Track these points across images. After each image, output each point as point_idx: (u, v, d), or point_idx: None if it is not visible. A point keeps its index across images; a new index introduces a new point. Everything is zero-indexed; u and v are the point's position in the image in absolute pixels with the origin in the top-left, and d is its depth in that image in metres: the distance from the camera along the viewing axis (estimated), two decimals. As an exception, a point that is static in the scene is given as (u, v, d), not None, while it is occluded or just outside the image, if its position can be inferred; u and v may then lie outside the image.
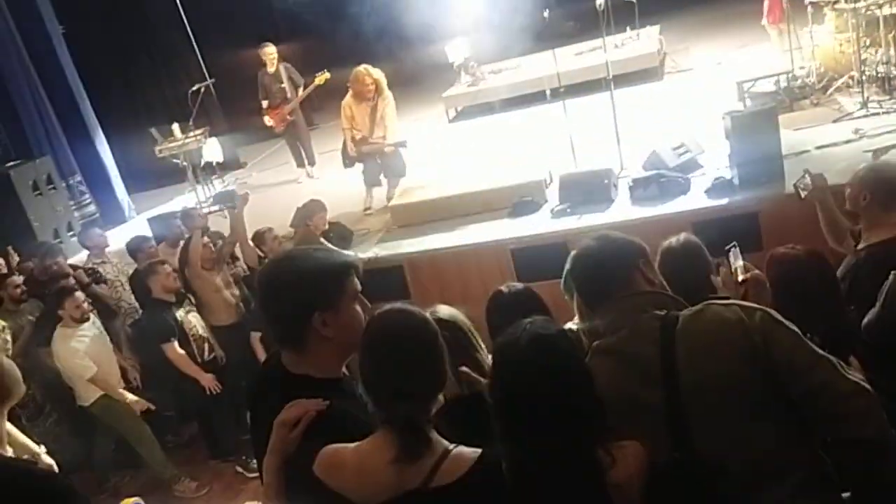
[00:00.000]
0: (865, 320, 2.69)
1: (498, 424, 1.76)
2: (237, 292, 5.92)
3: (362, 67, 7.30)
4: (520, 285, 3.07)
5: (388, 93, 7.30)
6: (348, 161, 7.54)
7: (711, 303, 1.92)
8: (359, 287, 1.97)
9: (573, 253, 2.11)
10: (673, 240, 2.90)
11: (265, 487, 1.87)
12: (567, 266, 2.10)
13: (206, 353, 5.52)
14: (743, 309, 1.85)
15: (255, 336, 5.51)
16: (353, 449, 1.76)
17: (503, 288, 3.00)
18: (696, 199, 5.79)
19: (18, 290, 5.65)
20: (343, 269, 1.95)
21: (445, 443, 1.75)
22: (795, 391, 1.77)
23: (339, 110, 7.66)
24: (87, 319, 5.19)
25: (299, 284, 1.89)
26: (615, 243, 2.06)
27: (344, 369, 2.01)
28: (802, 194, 3.54)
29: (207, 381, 5.34)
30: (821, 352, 1.80)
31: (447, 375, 1.81)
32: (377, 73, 7.27)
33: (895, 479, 1.81)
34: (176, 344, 5.31)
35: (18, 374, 2.58)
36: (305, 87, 9.25)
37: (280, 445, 1.81)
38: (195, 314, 5.58)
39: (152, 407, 5.30)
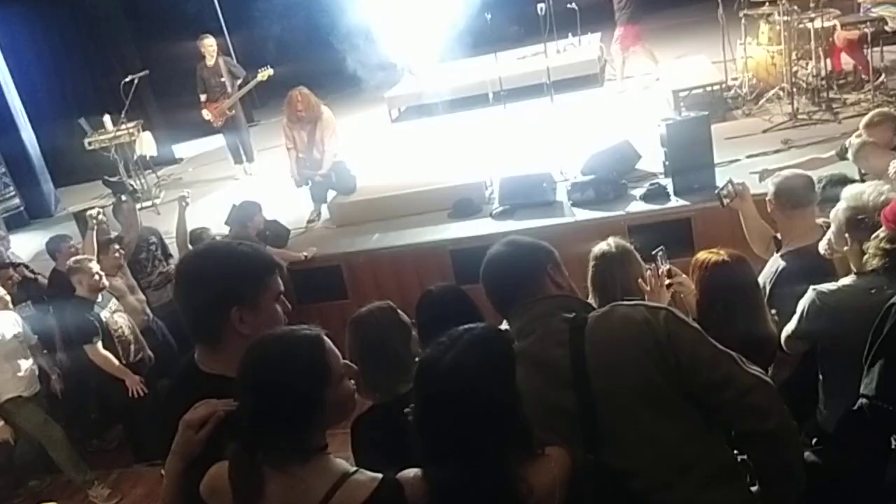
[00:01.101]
0: (784, 332, 2.76)
1: (419, 442, 1.72)
2: (142, 297, 5.76)
3: (295, 90, 7.06)
4: (450, 285, 3.05)
5: (326, 114, 7.07)
6: (299, 180, 7.23)
7: (618, 304, 1.95)
8: (281, 287, 1.91)
9: (485, 258, 2.08)
10: (605, 244, 2.93)
11: (162, 491, 1.78)
12: (480, 270, 2.07)
13: (133, 355, 5.32)
14: (648, 309, 1.90)
15: None
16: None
17: (433, 287, 2.97)
18: (632, 204, 5.88)
19: None
20: (266, 266, 1.89)
21: (346, 468, 1.66)
22: (699, 386, 1.81)
23: (280, 107, 7.49)
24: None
25: (220, 277, 1.82)
26: (523, 248, 2.06)
27: None
28: (725, 202, 3.65)
29: (132, 382, 5.15)
30: (722, 347, 1.85)
31: (326, 404, 1.65)
32: (307, 96, 7.00)
33: (798, 470, 1.88)
34: (99, 345, 5.10)
35: None
36: (247, 83, 9.04)
37: (183, 447, 1.71)
38: (122, 314, 5.37)
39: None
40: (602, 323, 1.87)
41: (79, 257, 5.30)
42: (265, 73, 8.91)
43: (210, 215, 6.92)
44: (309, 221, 7.14)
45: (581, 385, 1.81)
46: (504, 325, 2.82)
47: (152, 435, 5.31)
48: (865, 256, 2.44)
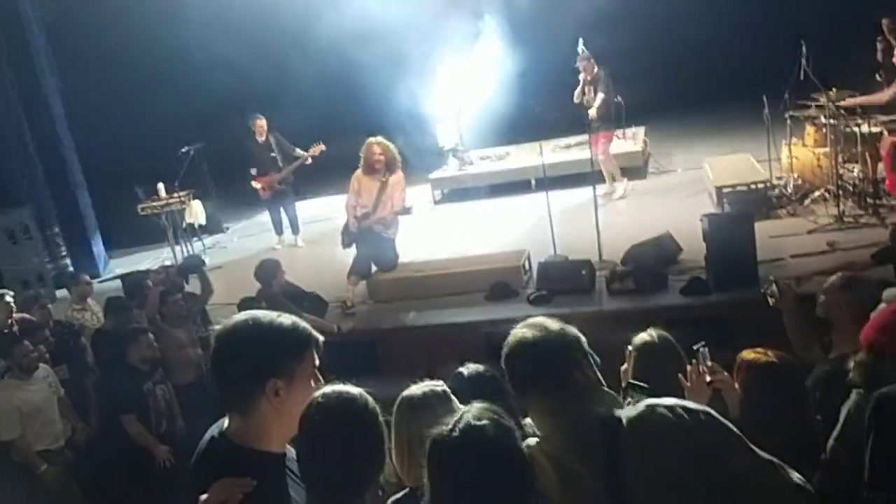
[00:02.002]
0: (830, 441, 2.67)
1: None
2: (200, 352, 5.79)
3: (373, 139, 7.09)
4: (481, 367, 3.01)
5: (400, 173, 7.04)
6: (347, 239, 7.15)
7: (654, 404, 1.85)
8: (317, 362, 1.91)
9: (507, 340, 1.94)
10: (646, 334, 2.90)
11: None
12: (503, 352, 1.93)
13: (165, 426, 5.36)
14: (687, 410, 1.81)
15: None
16: None
17: (463, 370, 2.94)
18: (671, 297, 5.81)
19: None
20: (305, 339, 1.90)
21: None
22: (739, 491, 1.74)
23: (325, 184, 7.65)
24: (36, 369, 5.03)
25: (259, 348, 1.83)
26: (551, 332, 1.92)
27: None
28: (771, 301, 3.60)
29: (161, 452, 5.16)
30: (763, 454, 1.78)
31: (384, 463, 1.74)
32: (386, 145, 7.02)
33: None
34: (134, 417, 5.16)
35: None
36: (297, 157, 9.30)
37: None
38: (162, 385, 5.43)
39: None
40: (639, 427, 1.77)
41: (136, 327, 5.40)
42: (317, 148, 9.19)
43: (253, 284, 7.00)
44: (348, 307, 6.86)
45: (616, 492, 1.73)
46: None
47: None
48: None
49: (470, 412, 1.68)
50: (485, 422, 1.65)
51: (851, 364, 2.71)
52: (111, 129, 10.71)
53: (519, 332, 1.94)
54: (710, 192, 7.82)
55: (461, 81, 10.30)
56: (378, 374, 6.26)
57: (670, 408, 1.81)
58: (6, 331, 5.60)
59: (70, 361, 5.77)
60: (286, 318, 1.93)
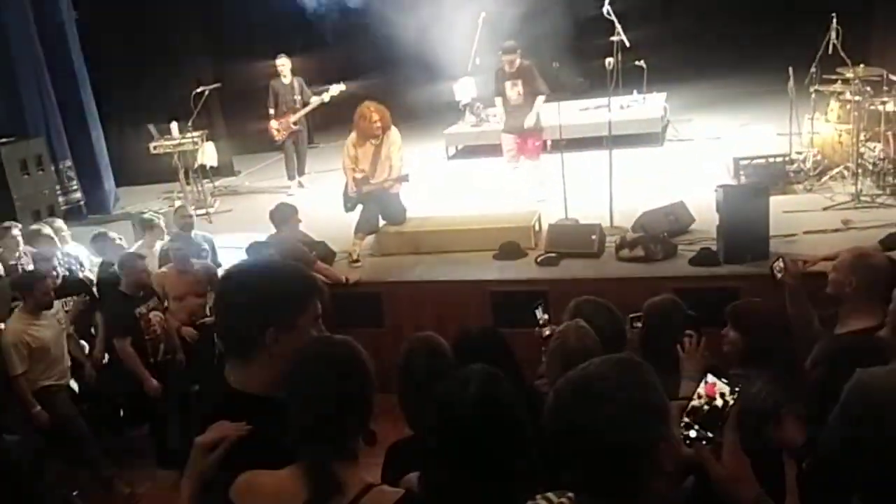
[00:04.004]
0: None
1: (434, 467, 1.71)
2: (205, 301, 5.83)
3: (367, 103, 6.85)
4: (488, 328, 3.04)
5: (394, 130, 6.90)
6: (350, 203, 7.05)
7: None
8: (319, 311, 1.91)
9: (552, 393, 1.47)
10: (658, 297, 2.93)
11: None
12: (547, 413, 1.44)
13: (161, 355, 5.39)
14: None
15: None
16: (271, 478, 1.69)
17: (471, 328, 2.96)
18: (679, 266, 5.79)
19: None
20: (308, 289, 1.89)
21: (368, 482, 1.69)
22: None
23: (340, 130, 7.58)
24: (51, 307, 5.07)
25: (260, 296, 1.82)
26: (628, 387, 1.39)
27: None
28: (778, 276, 3.58)
29: (151, 386, 5.20)
30: None
31: (369, 412, 1.73)
32: (383, 110, 6.84)
33: None
34: (128, 341, 5.19)
35: None
36: (306, 105, 9.24)
37: (196, 469, 1.73)
38: (157, 313, 5.45)
39: None
40: None
41: (129, 253, 5.42)
42: (337, 88, 9.12)
43: (263, 225, 7.00)
44: (354, 260, 6.79)
45: None
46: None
47: (176, 440, 5.37)
48: None
49: (478, 375, 1.69)
50: (492, 385, 1.68)
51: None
52: (127, 64, 10.64)
53: (577, 375, 1.46)
54: (728, 163, 7.72)
55: (480, 36, 10.12)
56: (381, 327, 6.31)
57: None
58: (15, 263, 5.65)
59: (78, 293, 5.82)
60: (291, 267, 1.93)
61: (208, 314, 5.62)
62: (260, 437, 1.73)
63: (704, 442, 1.94)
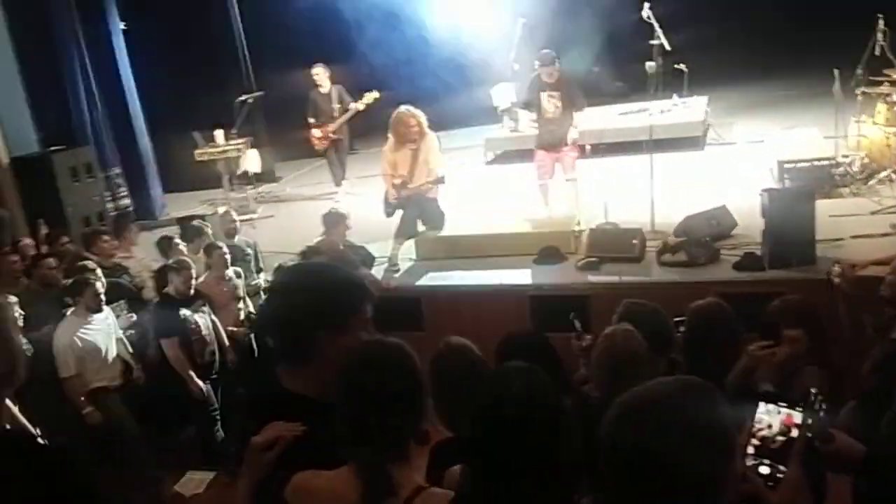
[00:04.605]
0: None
1: (477, 467, 1.72)
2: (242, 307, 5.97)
3: (404, 109, 6.89)
4: (534, 332, 3.06)
5: (431, 134, 6.93)
6: (389, 209, 7.07)
7: None
8: (370, 313, 1.94)
9: (614, 408, 1.41)
10: (703, 301, 2.92)
11: None
12: (607, 428, 1.40)
13: (207, 356, 5.51)
14: None
15: None
16: (324, 478, 1.73)
17: (515, 333, 2.99)
18: (722, 271, 5.72)
19: (53, 272, 5.69)
20: (360, 292, 1.94)
21: (419, 482, 1.71)
22: None
23: (379, 135, 7.61)
24: (101, 310, 5.21)
25: (315, 298, 1.86)
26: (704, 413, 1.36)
27: None
28: (836, 280, 3.54)
29: (194, 387, 5.32)
30: None
31: (422, 414, 1.76)
32: (419, 115, 6.88)
33: None
34: (174, 342, 5.31)
35: (25, 356, 2.57)
36: (346, 111, 9.30)
37: (251, 468, 1.77)
38: (203, 315, 5.57)
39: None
40: None
41: (180, 258, 5.56)
42: (371, 96, 9.17)
43: (307, 231, 7.10)
44: (392, 265, 6.83)
45: None
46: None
47: (223, 440, 5.48)
48: None
49: (520, 373, 1.70)
50: (535, 383, 1.68)
51: None
52: (173, 73, 10.88)
53: (655, 388, 1.45)
54: (772, 166, 7.60)
55: (518, 41, 10.14)
56: (420, 332, 6.34)
57: None
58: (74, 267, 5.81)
59: (126, 299, 5.97)
60: (343, 272, 1.97)
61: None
62: (313, 438, 1.77)
63: (772, 483, 1.70)
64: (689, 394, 1.37)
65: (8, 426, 2.62)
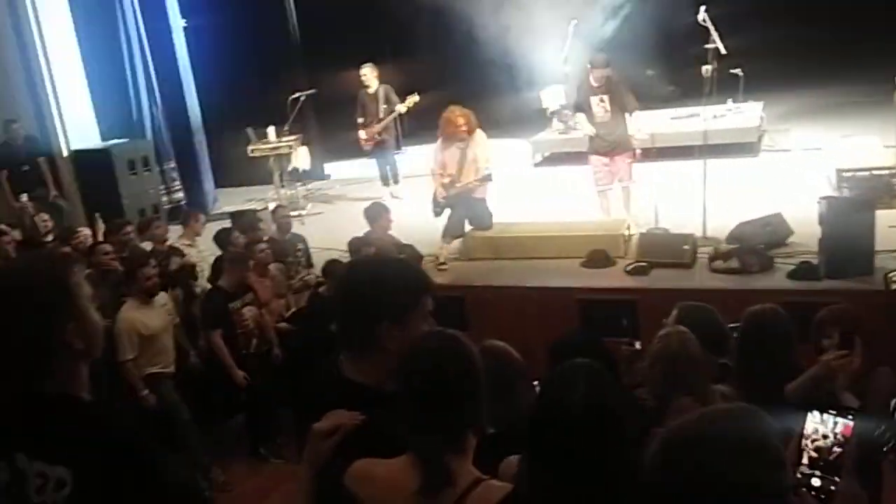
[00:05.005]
0: None
1: (533, 461, 1.72)
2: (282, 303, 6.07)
3: (453, 108, 6.93)
4: (589, 333, 3.05)
5: (479, 132, 6.95)
6: (438, 208, 7.13)
7: None
8: (430, 307, 1.97)
9: (663, 435, 1.43)
10: (758, 306, 2.89)
11: (297, 494, 1.87)
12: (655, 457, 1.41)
13: (254, 347, 5.61)
14: None
15: None
16: (385, 465, 1.75)
17: (572, 333, 2.98)
18: (776, 280, 5.61)
19: (108, 258, 5.86)
20: (422, 285, 1.97)
21: (476, 474, 1.72)
22: None
23: (427, 135, 7.64)
24: (156, 294, 5.33)
25: (377, 289, 1.90)
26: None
27: None
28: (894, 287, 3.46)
29: (236, 376, 5.41)
30: None
31: (482, 409, 1.76)
32: (468, 113, 6.91)
33: None
34: (218, 333, 5.42)
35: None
36: (391, 112, 9.34)
37: (312, 455, 1.81)
38: (252, 308, 5.68)
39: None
40: None
41: (236, 252, 5.67)
42: (412, 100, 9.20)
43: (354, 229, 7.17)
44: (440, 264, 6.87)
45: None
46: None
47: (270, 431, 5.57)
48: None
49: (586, 372, 1.70)
50: (601, 384, 1.69)
51: None
52: (228, 70, 11.10)
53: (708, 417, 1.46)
54: (829, 174, 7.43)
55: (570, 42, 10.09)
56: (465, 331, 6.33)
57: None
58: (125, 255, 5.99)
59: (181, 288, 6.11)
60: (406, 264, 2.00)
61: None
62: (373, 427, 1.80)
63: (825, 496, 1.64)
64: (735, 422, 1.36)
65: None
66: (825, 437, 1.70)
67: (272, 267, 6.13)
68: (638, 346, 3.37)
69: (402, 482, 1.70)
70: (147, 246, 6.50)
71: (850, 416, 1.70)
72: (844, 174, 7.09)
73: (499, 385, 2.54)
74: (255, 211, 7.75)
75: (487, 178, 6.99)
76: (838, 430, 1.70)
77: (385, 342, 1.87)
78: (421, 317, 1.93)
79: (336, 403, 1.85)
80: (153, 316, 5.26)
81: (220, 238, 6.48)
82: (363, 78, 9.38)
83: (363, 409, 1.83)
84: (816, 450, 1.70)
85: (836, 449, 1.68)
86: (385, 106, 9.34)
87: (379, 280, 1.92)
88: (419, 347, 1.77)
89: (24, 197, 8.27)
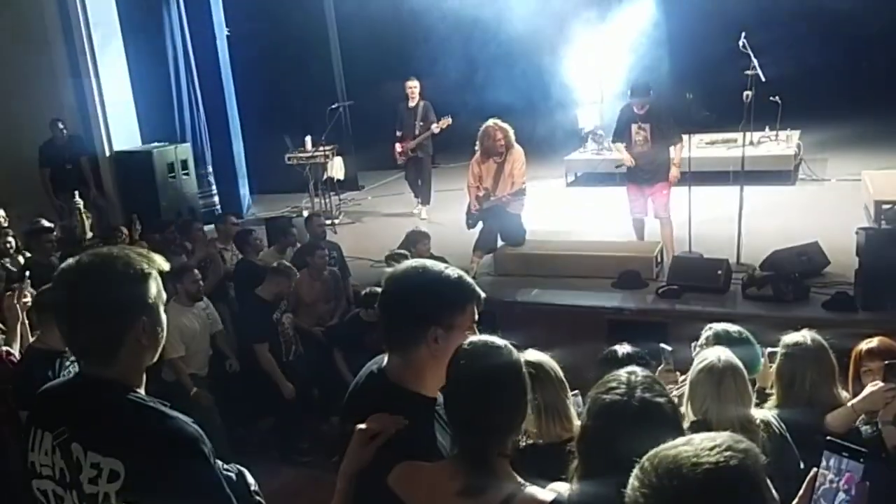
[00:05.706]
0: None
1: (584, 470, 1.74)
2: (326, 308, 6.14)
3: (492, 122, 6.98)
4: (634, 350, 3.08)
5: (517, 147, 6.99)
6: (471, 221, 7.17)
7: None
8: (476, 315, 1.99)
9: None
10: (798, 335, 2.91)
11: (336, 493, 1.90)
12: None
13: (293, 354, 5.68)
14: None
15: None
16: (428, 468, 1.78)
17: (617, 348, 3.01)
18: (811, 309, 5.56)
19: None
20: (469, 292, 1.98)
21: (519, 480, 1.74)
22: None
23: (461, 151, 7.69)
24: (201, 298, 5.42)
25: (426, 295, 1.92)
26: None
27: None
28: None
29: (287, 391, 5.46)
30: None
31: (526, 413, 1.81)
32: (506, 128, 6.96)
33: None
34: (266, 347, 5.49)
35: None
36: (428, 128, 9.35)
37: (354, 456, 1.84)
38: (289, 315, 5.75)
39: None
40: None
41: (287, 264, 5.73)
42: (445, 122, 9.24)
43: (383, 241, 7.23)
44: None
45: None
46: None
47: (302, 436, 5.62)
48: None
49: (642, 382, 1.72)
50: (657, 393, 1.71)
51: None
52: (268, 78, 11.28)
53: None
54: (867, 205, 7.36)
55: (607, 64, 10.12)
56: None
57: None
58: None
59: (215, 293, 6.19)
60: (453, 271, 2.03)
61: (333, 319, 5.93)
62: (415, 431, 1.83)
63: None
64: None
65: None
66: (832, 481, 1.48)
67: (327, 272, 6.21)
68: (678, 374, 3.35)
69: (445, 485, 1.73)
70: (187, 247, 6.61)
71: (862, 461, 1.45)
72: (884, 206, 7.02)
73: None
74: (289, 218, 7.84)
75: (521, 192, 7.03)
76: (842, 478, 1.46)
77: (431, 347, 1.89)
78: (467, 323, 1.95)
79: (379, 406, 1.88)
80: (193, 319, 5.37)
81: (240, 239, 6.54)
82: (409, 91, 9.42)
83: (405, 413, 1.85)
84: (823, 494, 1.49)
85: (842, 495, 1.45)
86: (422, 123, 9.39)
87: (428, 285, 1.94)
88: (467, 353, 1.80)
89: (76, 195, 8.28)
